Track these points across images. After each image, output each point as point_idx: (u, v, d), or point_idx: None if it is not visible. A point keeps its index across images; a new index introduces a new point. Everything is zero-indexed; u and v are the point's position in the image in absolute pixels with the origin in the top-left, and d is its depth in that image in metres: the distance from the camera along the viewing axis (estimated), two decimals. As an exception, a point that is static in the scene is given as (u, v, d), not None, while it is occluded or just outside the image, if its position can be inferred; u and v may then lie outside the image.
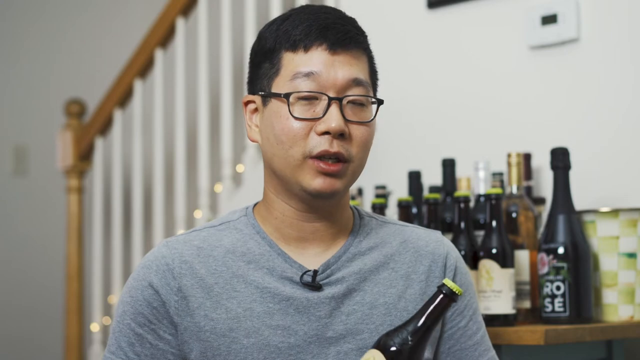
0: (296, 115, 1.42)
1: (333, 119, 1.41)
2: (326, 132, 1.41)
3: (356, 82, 1.44)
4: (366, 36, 1.49)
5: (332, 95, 1.42)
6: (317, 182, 1.42)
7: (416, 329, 1.31)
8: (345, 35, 1.43)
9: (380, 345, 1.32)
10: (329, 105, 1.41)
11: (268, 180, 1.49)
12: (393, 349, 1.30)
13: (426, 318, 1.32)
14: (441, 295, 1.32)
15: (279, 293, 1.43)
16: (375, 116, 1.46)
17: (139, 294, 1.44)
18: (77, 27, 4.42)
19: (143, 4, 4.46)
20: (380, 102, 1.47)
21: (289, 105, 1.42)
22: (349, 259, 1.47)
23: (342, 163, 1.42)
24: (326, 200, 1.45)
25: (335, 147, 1.41)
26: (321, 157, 1.41)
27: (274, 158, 1.45)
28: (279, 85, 1.44)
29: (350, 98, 1.43)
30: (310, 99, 1.42)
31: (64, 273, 3.95)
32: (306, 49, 1.43)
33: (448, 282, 1.32)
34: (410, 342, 1.30)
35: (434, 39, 2.72)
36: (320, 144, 1.41)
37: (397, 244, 1.51)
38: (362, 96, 1.44)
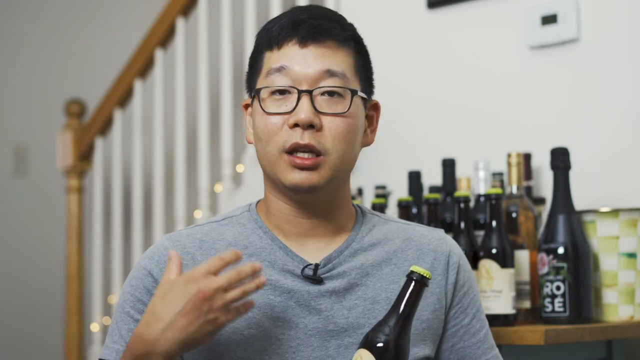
0: (269, 110, 1.43)
1: (302, 111, 1.41)
2: (296, 125, 1.42)
3: (329, 74, 1.44)
4: (349, 29, 1.48)
5: (304, 88, 1.43)
6: (293, 177, 1.42)
7: (396, 320, 1.35)
8: (316, 29, 1.44)
9: (367, 343, 1.35)
10: (299, 98, 1.42)
11: (264, 179, 1.51)
12: (379, 345, 1.33)
13: (404, 308, 1.35)
14: (413, 283, 1.36)
15: (280, 285, 1.44)
16: (350, 106, 1.44)
17: (138, 283, 1.46)
18: (77, 27, 4.42)
19: (143, 4, 4.46)
20: (354, 92, 1.45)
21: (260, 101, 1.44)
22: (351, 254, 1.48)
23: (317, 157, 1.42)
24: (309, 196, 1.45)
25: (306, 138, 1.41)
26: (294, 150, 1.42)
27: (259, 156, 1.47)
28: (259, 84, 1.47)
29: (323, 89, 1.43)
30: (283, 93, 1.44)
31: (64, 273, 3.95)
32: (279, 46, 1.45)
33: (416, 268, 1.36)
34: (393, 335, 1.33)
35: (434, 39, 2.72)
36: (291, 137, 1.42)
37: (400, 241, 1.52)
38: (332, 87, 1.43)
